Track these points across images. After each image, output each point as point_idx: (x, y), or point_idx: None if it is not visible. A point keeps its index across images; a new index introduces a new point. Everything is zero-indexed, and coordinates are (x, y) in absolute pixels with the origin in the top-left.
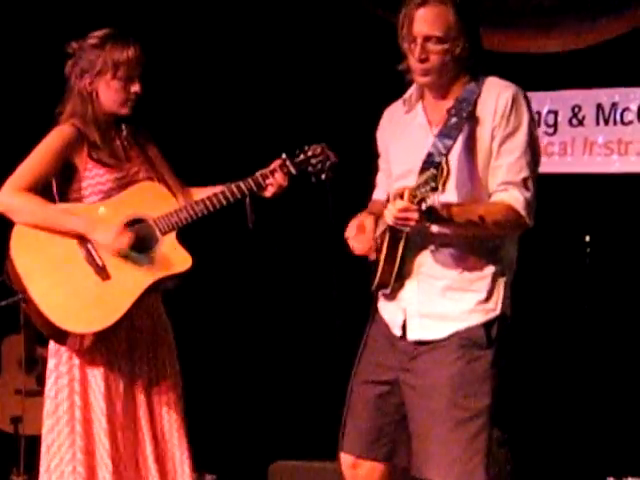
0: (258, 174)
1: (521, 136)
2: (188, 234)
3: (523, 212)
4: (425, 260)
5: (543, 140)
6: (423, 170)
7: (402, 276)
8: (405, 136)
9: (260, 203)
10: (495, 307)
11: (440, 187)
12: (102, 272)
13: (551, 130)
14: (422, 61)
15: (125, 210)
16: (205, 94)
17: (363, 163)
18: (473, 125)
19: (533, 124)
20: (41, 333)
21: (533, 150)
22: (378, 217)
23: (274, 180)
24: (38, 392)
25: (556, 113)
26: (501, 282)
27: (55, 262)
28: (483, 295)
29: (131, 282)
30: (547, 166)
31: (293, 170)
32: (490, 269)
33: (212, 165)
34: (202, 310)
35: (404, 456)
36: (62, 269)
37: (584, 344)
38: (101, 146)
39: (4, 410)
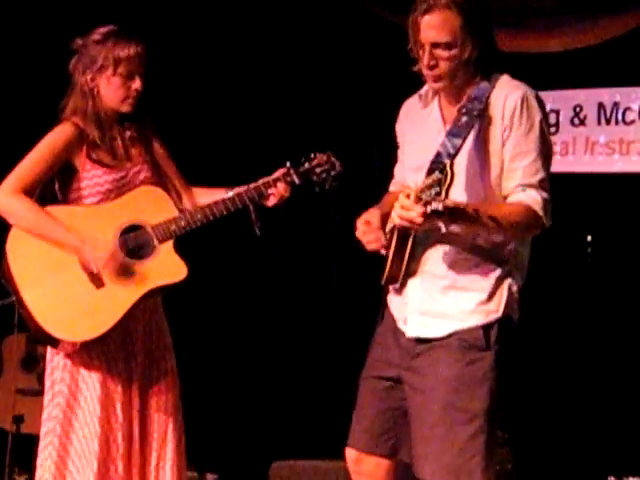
0: (260, 183)
1: (534, 137)
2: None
3: (541, 212)
4: (430, 257)
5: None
6: (430, 171)
7: (409, 273)
8: (420, 131)
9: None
10: (497, 309)
11: (444, 193)
12: (96, 280)
13: (553, 130)
14: (431, 68)
15: (123, 216)
16: (211, 94)
17: (367, 162)
18: (484, 124)
19: (546, 124)
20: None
21: (547, 150)
22: (388, 212)
23: (276, 190)
24: (39, 391)
25: (558, 113)
26: (506, 284)
27: (50, 267)
28: (484, 296)
29: (125, 291)
30: None
31: (297, 180)
32: (494, 270)
33: (218, 165)
34: (204, 310)
35: (408, 452)
36: (57, 275)
37: (585, 344)
38: (101, 145)
39: (5, 409)
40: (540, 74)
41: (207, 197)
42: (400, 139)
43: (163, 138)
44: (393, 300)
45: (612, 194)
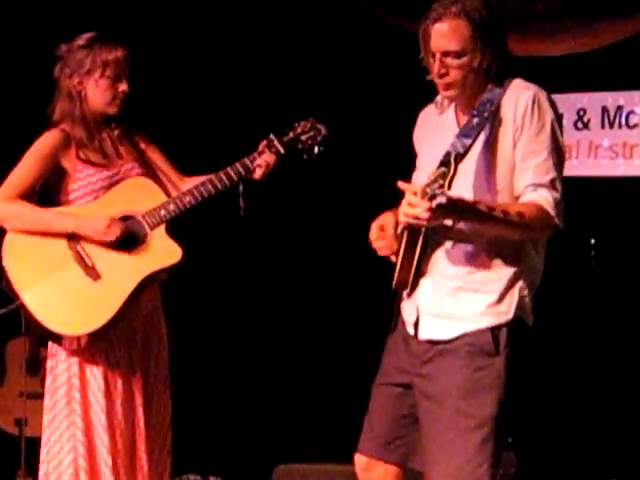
0: (245, 158)
1: (546, 137)
2: (191, 233)
3: (553, 212)
4: (440, 259)
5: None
6: (438, 168)
7: (419, 274)
8: (436, 137)
9: (263, 200)
10: (508, 311)
11: (447, 185)
12: (92, 272)
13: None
14: (442, 76)
15: (113, 208)
16: (202, 93)
17: (370, 164)
18: (495, 126)
19: (557, 125)
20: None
21: (559, 150)
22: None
23: (262, 160)
24: (42, 394)
25: (561, 116)
26: (517, 286)
27: (45, 266)
28: (495, 297)
29: (121, 280)
30: None
31: (281, 149)
32: (505, 272)
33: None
34: (207, 314)
35: (420, 459)
36: (53, 273)
37: (589, 347)
38: (89, 145)
39: (9, 412)
40: (543, 78)
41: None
42: (417, 147)
43: (162, 136)
44: (405, 305)
45: (615, 198)
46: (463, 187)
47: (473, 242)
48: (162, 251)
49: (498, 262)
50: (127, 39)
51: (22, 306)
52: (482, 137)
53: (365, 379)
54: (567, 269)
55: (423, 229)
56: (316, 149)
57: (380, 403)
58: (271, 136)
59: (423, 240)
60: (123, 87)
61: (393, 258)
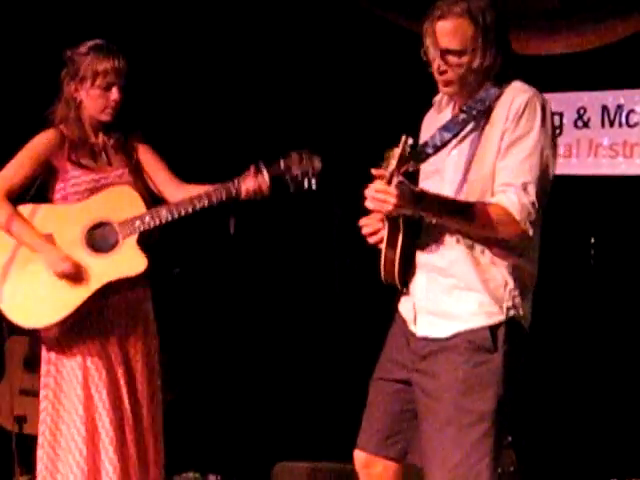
0: (230, 183)
1: (530, 141)
2: (192, 224)
3: (517, 216)
4: (434, 256)
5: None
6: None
7: (412, 270)
8: None
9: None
10: (501, 311)
11: (395, 163)
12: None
13: (556, 132)
14: (441, 73)
15: (92, 213)
16: (203, 95)
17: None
18: (485, 125)
19: (545, 132)
20: None
21: (540, 157)
22: None
23: (244, 188)
24: None
25: (561, 115)
26: (510, 286)
27: (17, 261)
28: (487, 297)
29: (83, 283)
30: None
31: (267, 179)
32: (499, 272)
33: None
34: (206, 313)
35: (419, 455)
36: (23, 267)
37: (588, 346)
38: (82, 149)
39: (8, 409)
40: (543, 76)
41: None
42: None
43: (162, 141)
44: (403, 302)
45: (615, 196)
46: (443, 178)
47: (466, 241)
48: (127, 260)
49: (493, 262)
50: (128, 43)
51: None
52: (469, 132)
53: (364, 376)
54: (567, 268)
55: (402, 217)
56: (306, 183)
57: (379, 399)
58: (260, 164)
59: (405, 232)
60: (114, 96)
61: (381, 245)
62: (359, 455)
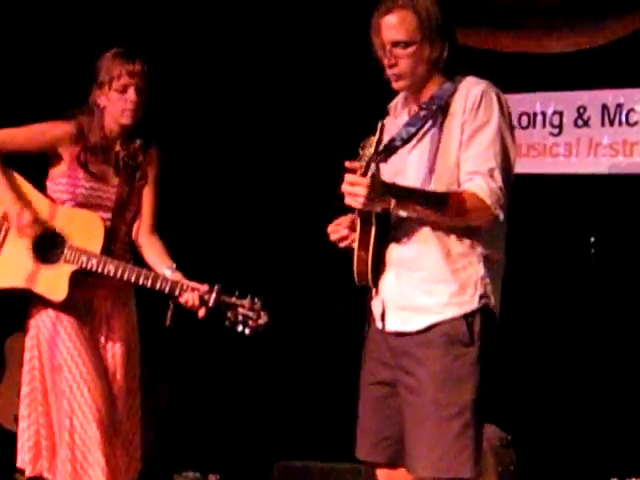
0: (180, 284)
1: (490, 130)
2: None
3: (488, 200)
4: (402, 251)
5: (548, 141)
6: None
7: (382, 268)
8: None
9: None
10: (471, 300)
11: (373, 148)
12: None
13: (556, 131)
14: (391, 66)
15: (58, 221)
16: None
17: None
18: (444, 120)
19: (504, 120)
20: None
21: (502, 143)
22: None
23: (190, 297)
24: None
25: (561, 114)
26: (478, 275)
27: None
28: (455, 288)
29: (8, 272)
30: (552, 167)
31: (210, 304)
32: (466, 262)
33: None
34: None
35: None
36: None
37: (589, 345)
38: (94, 154)
39: (9, 409)
40: (544, 75)
41: (151, 259)
42: None
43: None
44: (374, 300)
45: (616, 195)
46: (405, 176)
47: (432, 234)
48: (52, 283)
49: (459, 253)
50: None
51: None
52: (428, 129)
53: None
54: (567, 267)
55: (374, 215)
56: (240, 328)
57: (369, 404)
58: (216, 287)
59: (377, 230)
60: (130, 98)
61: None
62: (381, 471)
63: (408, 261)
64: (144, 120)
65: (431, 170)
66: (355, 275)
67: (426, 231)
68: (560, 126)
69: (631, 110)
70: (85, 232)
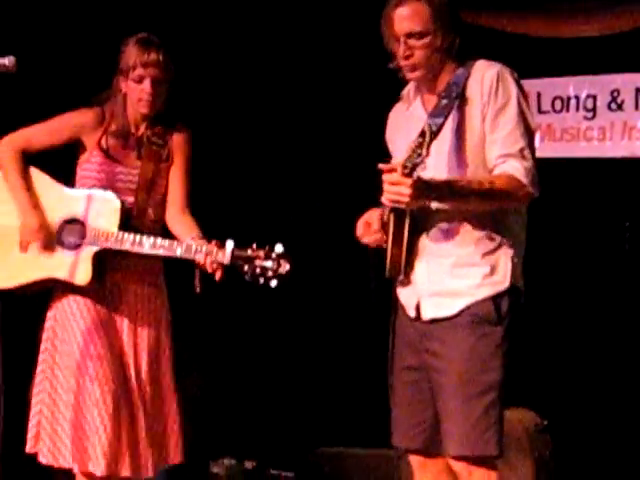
0: (194, 246)
1: (512, 109)
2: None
3: (525, 180)
4: (431, 239)
5: (582, 125)
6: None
7: (412, 258)
8: (406, 130)
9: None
10: (503, 280)
11: (425, 151)
12: (24, 245)
13: (590, 115)
14: (407, 57)
15: (76, 207)
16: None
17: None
18: (463, 105)
19: (522, 98)
20: None
21: (525, 122)
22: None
23: (200, 259)
24: None
25: (595, 98)
26: (507, 255)
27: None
28: (488, 269)
29: (32, 267)
30: (586, 151)
31: (226, 260)
32: (494, 244)
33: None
34: (243, 298)
35: (441, 445)
36: (3, 233)
37: (624, 330)
38: (116, 139)
39: None
40: (577, 59)
41: (181, 235)
42: (391, 147)
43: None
44: (401, 292)
45: None
46: (437, 167)
47: (457, 219)
48: (74, 268)
49: (486, 235)
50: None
51: None
52: (452, 117)
53: None
54: (601, 252)
55: (408, 212)
56: (262, 280)
57: (399, 390)
58: (227, 242)
59: (410, 223)
60: (146, 89)
61: (385, 245)
62: (413, 457)
63: (438, 248)
64: (173, 102)
65: (459, 158)
66: (387, 270)
67: (455, 217)
68: (594, 110)
69: None
70: (103, 213)
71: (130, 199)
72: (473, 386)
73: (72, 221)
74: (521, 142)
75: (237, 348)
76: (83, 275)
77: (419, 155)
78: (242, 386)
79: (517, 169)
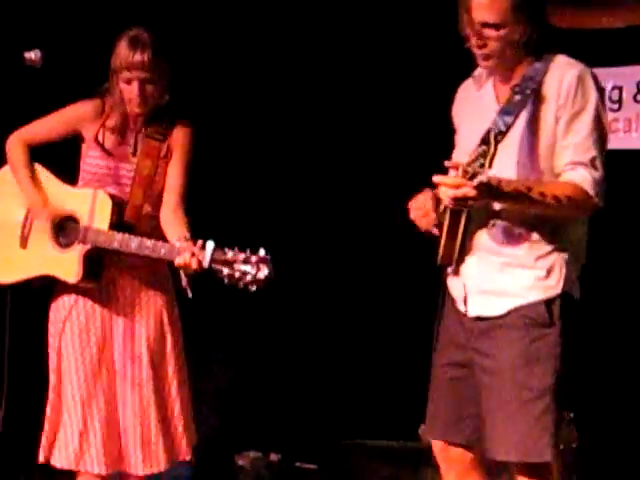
0: (176, 247)
1: (588, 116)
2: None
3: (592, 192)
4: (485, 236)
5: (608, 116)
6: (478, 147)
7: (464, 251)
8: (474, 114)
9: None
10: (556, 285)
11: (487, 164)
12: (23, 240)
13: (615, 106)
14: (480, 47)
15: (75, 204)
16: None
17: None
18: (537, 103)
19: (601, 104)
20: None
21: (600, 130)
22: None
23: (180, 261)
24: None
25: (620, 89)
26: (563, 261)
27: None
28: (543, 272)
29: (30, 264)
30: (611, 142)
31: (205, 263)
32: (551, 247)
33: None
34: (272, 291)
35: (484, 441)
36: (3, 226)
37: None
38: (113, 133)
39: None
40: (602, 50)
41: (169, 234)
42: (456, 123)
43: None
44: (451, 281)
45: None
46: (505, 165)
47: (516, 219)
48: (66, 266)
49: (544, 237)
50: None
51: None
52: (524, 115)
53: (427, 356)
54: (627, 245)
55: (465, 211)
56: (241, 285)
57: (442, 385)
58: (209, 244)
59: (466, 218)
60: (133, 89)
61: (435, 230)
62: (436, 443)
63: (491, 246)
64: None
65: (527, 158)
66: (439, 258)
67: (513, 217)
68: (619, 101)
69: None
70: (94, 211)
71: (123, 196)
72: (528, 390)
73: (68, 219)
74: (593, 151)
75: (262, 341)
76: (74, 273)
77: (482, 165)
78: (267, 379)
79: (585, 179)
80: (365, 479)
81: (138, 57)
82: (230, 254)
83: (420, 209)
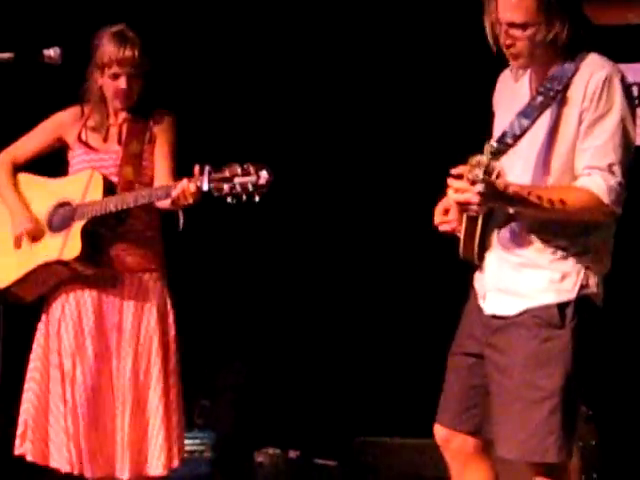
0: (173, 184)
1: (611, 120)
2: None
3: (606, 199)
4: (505, 235)
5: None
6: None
7: (485, 248)
8: (510, 105)
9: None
10: (571, 289)
11: (482, 174)
12: (17, 241)
13: (635, 102)
14: (508, 47)
15: (62, 192)
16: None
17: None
18: (561, 106)
19: (627, 108)
20: None
21: (624, 136)
22: None
23: (178, 193)
24: None
25: (639, 86)
26: (582, 266)
27: None
28: (558, 275)
29: (29, 259)
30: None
31: (204, 185)
32: (570, 251)
33: None
34: (289, 287)
35: (491, 429)
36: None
37: None
38: (95, 131)
39: None
40: (620, 47)
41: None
42: (495, 109)
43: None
44: (477, 276)
45: None
46: (520, 167)
47: (535, 220)
48: (66, 244)
49: (563, 241)
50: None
51: None
52: (545, 116)
53: (443, 351)
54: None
55: (481, 216)
56: (244, 197)
57: (455, 373)
58: (206, 167)
59: (485, 218)
60: (120, 85)
61: (459, 229)
62: (439, 429)
63: (509, 247)
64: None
65: (545, 162)
66: (460, 252)
67: (530, 220)
68: (638, 98)
69: None
70: (86, 189)
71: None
72: (536, 390)
73: (62, 205)
74: (612, 156)
75: (281, 338)
76: (73, 250)
77: (487, 172)
78: (286, 376)
79: (599, 186)
80: (383, 475)
81: (129, 52)
82: (227, 171)
83: (444, 213)
